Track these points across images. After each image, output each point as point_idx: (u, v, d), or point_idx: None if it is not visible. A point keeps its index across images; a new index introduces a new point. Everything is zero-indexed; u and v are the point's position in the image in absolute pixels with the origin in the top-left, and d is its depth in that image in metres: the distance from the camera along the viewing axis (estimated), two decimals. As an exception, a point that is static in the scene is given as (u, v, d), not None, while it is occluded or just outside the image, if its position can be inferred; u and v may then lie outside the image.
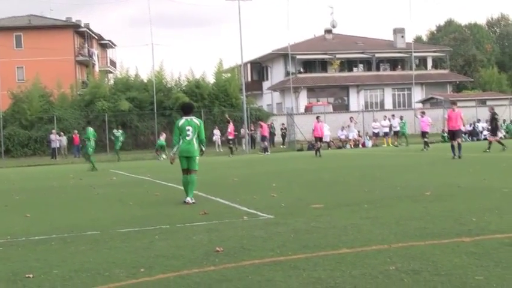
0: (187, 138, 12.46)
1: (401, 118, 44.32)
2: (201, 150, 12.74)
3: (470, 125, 53.56)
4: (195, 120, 12.71)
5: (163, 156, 38.45)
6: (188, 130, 12.48)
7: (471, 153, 26.07)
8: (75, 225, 10.01)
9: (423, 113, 37.25)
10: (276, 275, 6.00)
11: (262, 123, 45.01)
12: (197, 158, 12.60)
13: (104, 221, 10.45)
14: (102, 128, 49.97)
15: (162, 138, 40.85)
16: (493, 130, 29.44)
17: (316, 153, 32.20)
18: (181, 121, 12.64)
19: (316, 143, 33.57)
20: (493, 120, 29.36)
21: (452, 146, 23.52)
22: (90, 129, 30.30)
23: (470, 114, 56.27)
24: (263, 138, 43.79)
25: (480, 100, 64.02)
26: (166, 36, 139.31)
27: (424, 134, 34.73)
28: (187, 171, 12.60)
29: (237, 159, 35.44)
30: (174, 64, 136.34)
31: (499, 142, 28.56)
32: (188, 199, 12.40)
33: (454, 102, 26.47)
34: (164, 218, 10.41)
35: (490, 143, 28.26)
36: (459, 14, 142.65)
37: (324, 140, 37.85)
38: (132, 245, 8.00)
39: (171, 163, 13.22)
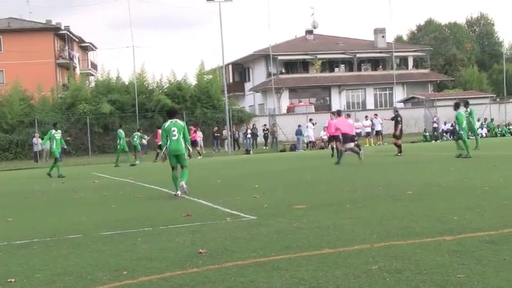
0: (174, 138, 14.07)
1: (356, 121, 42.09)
2: (188, 150, 14.42)
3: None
4: (180, 122, 14.46)
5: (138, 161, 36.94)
6: (174, 131, 14.08)
7: (452, 152, 26.23)
8: (58, 229, 9.96)
9: (333, 113, 28.25)
10: (259, 276, 6.01)
11: (192, 128, 43.89)
12: (185, 154, 14.33)
13: (87, 224, 10.40)
14: (84, 131, 49.81)
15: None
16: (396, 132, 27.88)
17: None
18: (167, 123, 14.31)
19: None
20: (396, 123, 27.71)
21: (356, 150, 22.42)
22: (120, 131, 34.53)
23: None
24: (193, 142, 43.03)
25: (461, 99, 64.39)
26: (148, 38, 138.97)
27: (332, 138, 27.82)
28: (177, 167, 14.31)
29: (219, 160, 35.39)
30: (156, 66, 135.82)
31: (398, 146, 27.69)
32: (182, 183, 13.96)
33: (334, 113, 26.64)
34: (147, 221, 10.39)
35: (399, 146, 27.43)
36: (439, 14, 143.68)
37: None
38: (114, 248, 7.98)
39: (163, 162, 15.21)
